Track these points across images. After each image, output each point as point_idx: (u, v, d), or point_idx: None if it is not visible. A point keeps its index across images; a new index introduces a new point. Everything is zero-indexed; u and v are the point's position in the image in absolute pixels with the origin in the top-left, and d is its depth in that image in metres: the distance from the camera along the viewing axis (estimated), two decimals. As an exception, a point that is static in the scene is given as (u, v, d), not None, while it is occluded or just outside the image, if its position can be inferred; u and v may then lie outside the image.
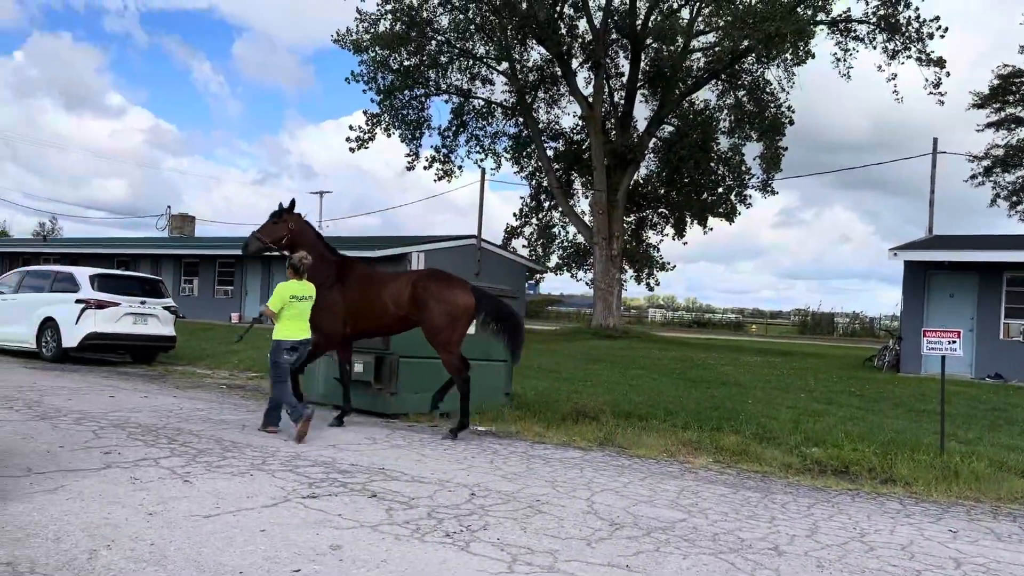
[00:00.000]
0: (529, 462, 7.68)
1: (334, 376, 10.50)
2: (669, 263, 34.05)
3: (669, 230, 33.57)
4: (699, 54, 29.77)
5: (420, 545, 4.88)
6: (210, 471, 6.58)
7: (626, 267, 32.27)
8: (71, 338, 14.72)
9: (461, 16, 28.54)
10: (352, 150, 29.57)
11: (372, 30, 28.06)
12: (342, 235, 36.57)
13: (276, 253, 9.66)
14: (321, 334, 9.10)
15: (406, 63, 28.67)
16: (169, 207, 49.03)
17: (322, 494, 5.99)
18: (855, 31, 26.73)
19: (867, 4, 25.82)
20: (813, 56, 27.08)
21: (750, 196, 31.34)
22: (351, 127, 30.52)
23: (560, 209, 32.41)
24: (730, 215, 31.31)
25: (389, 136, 30.10)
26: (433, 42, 28.87)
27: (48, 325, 15.13)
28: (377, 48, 28.04)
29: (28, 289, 16.17)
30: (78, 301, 14.81)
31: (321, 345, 9.32)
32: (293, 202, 9.63)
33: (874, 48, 26.39)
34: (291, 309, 8.55)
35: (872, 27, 26.14)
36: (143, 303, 15.43)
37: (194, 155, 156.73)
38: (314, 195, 68.82)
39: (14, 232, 74.52)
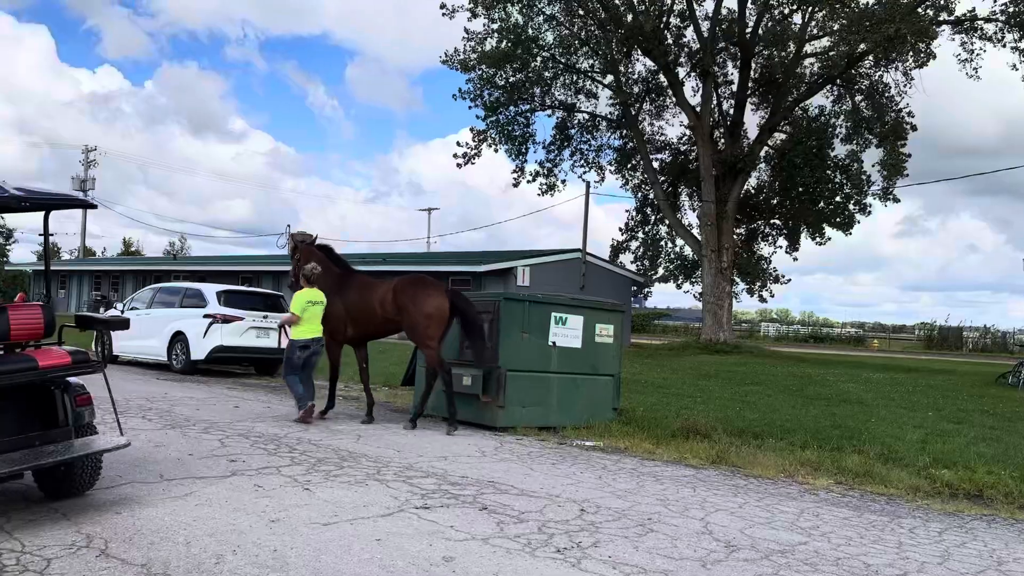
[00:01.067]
0: (639, 479, 7.56)
1: (443, 389, 10.68)
2: (783, 275, 33.00)
3: (782, 241, 32.55)
4: (812, 59, 28.82)
5: (531, 560, 4.87)
6: (328, 480, 6.79)
7: (737, 279, 31.43)
8: (199, 351, 15.56)
9: (566, 31, 28.68)
10: (459, 165, 30.15)
11: (479, 49, 28.57)
12: (448, 250, 37.21)
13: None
14: (327, 335, 10.46)
15: (511, 80, 29.02)
16: (289, 226, 51.25)
17: (434, 505, 6.07)
18: (982, 30, 25.25)
19: (994, 2, 24.37)
20: (935, 57, 25.75)
21: (870, 205, 30.02)
22: (458, 143, 31.25)
23: (667, 221, 31.94)
24: (848, 225, 30.05)
25: (495, 151, 30.56)
26: (538, 58, 29.12)
27: (178, 339, 16.05)
28: (483, 66, 28.53)
29: (160, 305, 17.22)
30: (206, 316, 15.65)
31: (329, 344, 10.66)
32: (296, 237, 11.22)
33: (1003, 47, 24.84)
34: (306, 313, 10.09)
35: (1001, 25, 24.62)
36: (265, 317, 16.15)
37: (311, 176, 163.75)
38: (422, 212, 70.39)
39: (147, 251, 79.62)
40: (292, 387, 10.10)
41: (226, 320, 15.61)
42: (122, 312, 17.33)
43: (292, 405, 11.15)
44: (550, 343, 10.53)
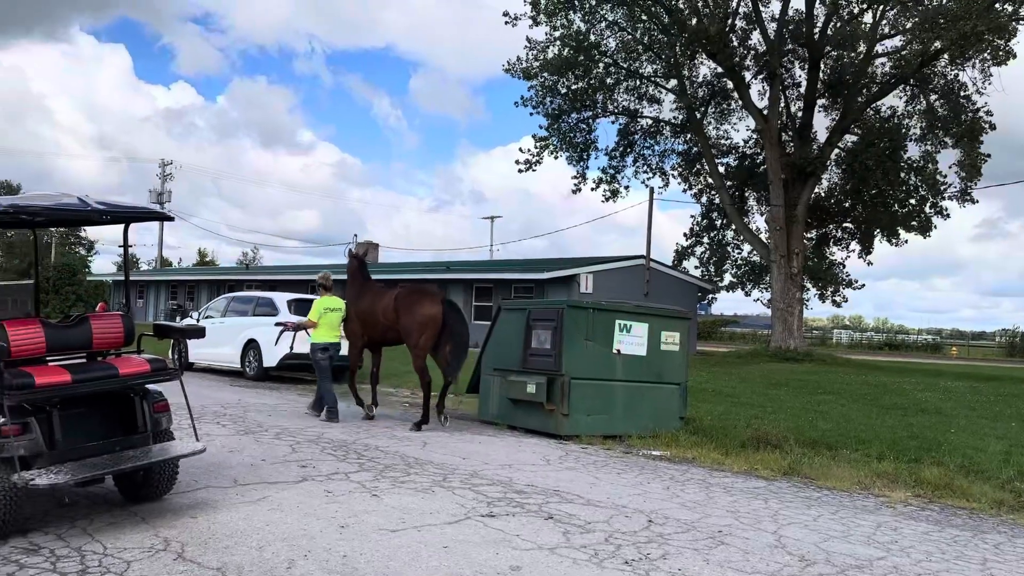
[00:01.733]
0: (708, 490, 7.42)
1: (508, 397, 10.70)
2: (856, 280, 32.07)
3: (855, 246, 31.65)
4: (884, 59, 28.00)
5: (599, 571, 4.83)
6: (396, 486, 6.86)
7: (807, 285, 30.67)
8: (271, 358, 15.92)
9: (629, 37, 28.51)
10: (521, 171, 30.19)
11: (541, 57, 28.60)
12: (511, 258, 37.28)
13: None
14: (348, 338, 11.37)
15: (573, 87, 28.97)
16: (356, 235, 52.14)
17: (500, 513, 6.07)
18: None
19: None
20: (1015, 56, 24.68)
21: (946, 207, 28.96)
22: (520, 150, 31.22)
23: (734, 226, 31.40)
24: (924, 228, 29.04)
25: (556, 159, 30.50)
26: (600, 64, 29.00)
27: (251, 346, 16.45)
28: (545, 74, 28.55)
29: (233, 313, 17.70)
30: (277, 324, 16.01)
31: (351, 347, 11.47)
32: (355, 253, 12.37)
33: (1090, 40, 23.69)
34: (324, 318, 10.94)
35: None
36: (332, 325, 16.39)
37: (376, 186, 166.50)
38: (485, 220, 70.78)
39: (221, 261, 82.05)
40: (325, 390, 10.98)
41: (296, 328, 15.93)
42: (197, 320, 17.87)
43: (358, 411, 11.32)
44: (614, 351, 10.45)
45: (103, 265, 67.84)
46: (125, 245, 6.74)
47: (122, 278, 7.26)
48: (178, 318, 18.11)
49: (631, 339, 10.66)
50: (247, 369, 16.50)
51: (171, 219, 6.42)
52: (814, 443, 9.94)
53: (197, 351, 17.52)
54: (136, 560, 4.74)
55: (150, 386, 5.98)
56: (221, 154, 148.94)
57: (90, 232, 67.36)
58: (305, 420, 10.75)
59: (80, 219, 5.86)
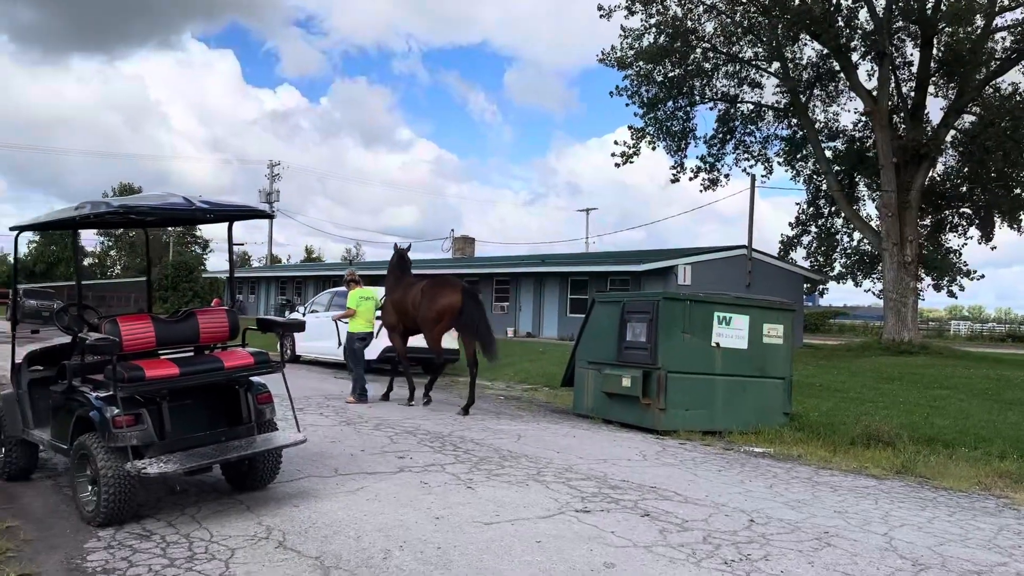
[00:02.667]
0: (814, 489, 7.11)
1: (603, 391, 10.57)
2: (975, 269, 30.18)
3: (973, 232, 29.78)
4: (1004, 33, 26.16)
5: (696, 571, 4.68)
6: (490, 479, 6.87)
7: (922, 275, 29.06)
8: (371, 351, 16.26)
9: (727, 20, 27.67)
10: (617, 165, 29.75)
11: (636, 45, 28.10)
12: (606, 250, 36.91)
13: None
14: (386, 327, 12.34)
15: (670, 74, 28.35)
16: (452, 230, 52.93)
17: (594, 509, 5.99)
18: None
19: None
20: None
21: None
22: (616, 142, 30.91)
23: (842, 214, 30.06)
24: (1055, 212, 27.02)
25: (653, 149, 29.91)
26: (698, 50, 28.25)
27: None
28: (641, 62, 28.04)
29: (337, 308, 18.19)
30: (377, 318, 16.37)
31: (391, 336, 12.38)
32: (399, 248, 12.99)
33: None
34: (360, 307, 12.05)
35: None
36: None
37: (472, 181, 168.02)
38: (580, 212, 70.38)
39: (327, 258, 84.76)
40: (358, 377, 11.91)
41: (337, 319, 16.27)
42: (303, 315, 18.46)
43: (455, 403, 11.44)
44: (713, 344, 10.17)
45: (218, 263, 71.18)
46: (230, 242, 6.98)
47: (235, 275, 7.54)
48: (286, 312, 18.73)
49: (731, 332, 10.35)
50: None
51: (271, 216, 6.64)
52: (929, 440, 9.40)
53: (303, 344, 18.11)
54: (240, 548, 4.90)
55: (254, 378, 6.18)
56: (325, 154, 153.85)
57: (205, 231, 70.93)
58: (403, 411, 10.94)
59: (185, 218, 6.12)
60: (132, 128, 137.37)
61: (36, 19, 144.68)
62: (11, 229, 6.31)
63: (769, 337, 10.64)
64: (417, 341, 16.31)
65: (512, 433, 9.47)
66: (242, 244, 78.11)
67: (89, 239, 73.95)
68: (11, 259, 63.16)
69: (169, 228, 63.62)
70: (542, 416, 11.24)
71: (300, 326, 6.79)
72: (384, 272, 13.33)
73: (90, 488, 5.33)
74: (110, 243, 73.76)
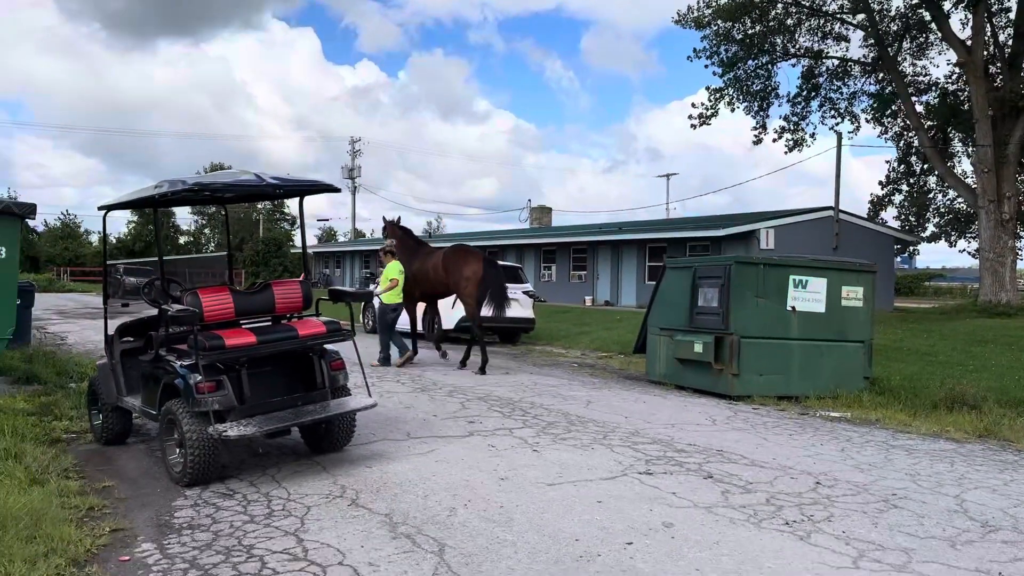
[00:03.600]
0: (888, 452, 6.96)
1: (675, 357, 10.53)
2: (1081, 226, 28.39)
3: (1080, 186, 27.97)
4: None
5: (755, 531, 4.70)
6: (556, 442, 7.00)
7: (1021, 233, 27.55)
8: (449, 321, 16.61)
9: (809, -28, 26.58)
10: (694, 126, 29.12)
11: (713, 3, 27.33)
12: (688, 216, 36.28)
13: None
14: (403, 295, 12.69)
15: (750, 31, 27.48)
16: (530, 200, 53.03)
17: (658, 471, 6.04)
18: None
19: None
20: None
21: None
22: (693, 104, 30.23)
23: (935, 171, 28.70)
24: None
25: (733, 110, 29.13)
26: (779, 5, 27.27)
27: (429, 311, 17.24)
28: (719, 21, 27.27)
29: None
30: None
31: (406, 301, 12.84)
32: (392, 221, 13.83)
33: None
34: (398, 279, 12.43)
35: None
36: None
37: (550, 150, 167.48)
38: (660, 179, 69.22)
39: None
40: (395, 342, 12.65)
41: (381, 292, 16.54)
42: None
43: (528, 370, 11.59)
44: (788, 308, 9.98)
45: (306, 238, 73.12)
46: (301, 216, 7.25)
47: (321, 250, 7.86)
48: (369, 285, 19.21)
49: (807, 295, 10.13)
50: (427, 332, 17.30)
51: (337, 190, 6.81)
52: (1018, 404, 9.04)
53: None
54: (315, 505, 5.18)
55: (327, 346, 6.44)
56: (404, 128, 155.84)
57: (293, 207, 72.98)
58: (474, 379, 11.17)
59: (257, 194, 6.38)
60: (219, 109, 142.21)
61: (124, 6, 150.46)
62: (99, 209, 6.72)
63: (848, 300, 10.37)
64: (491, 311, 16.63)
65: (582, 399, 9.57)
66: (328, 219, 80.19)
67: (184, 218, 77.25)
68: (112, 239, 66.38)
69: (258, 205, 65.79)
70: (614, 383, 11.29)
71: (368, 296, 7.01)
72: (472, 243, 13.86)
73: (177, 451, 5.70)
74: (204, 221, 76.93)
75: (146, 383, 6.31)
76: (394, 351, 12.68)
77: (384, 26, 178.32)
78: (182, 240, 75.63)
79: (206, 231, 78.24)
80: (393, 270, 12.58)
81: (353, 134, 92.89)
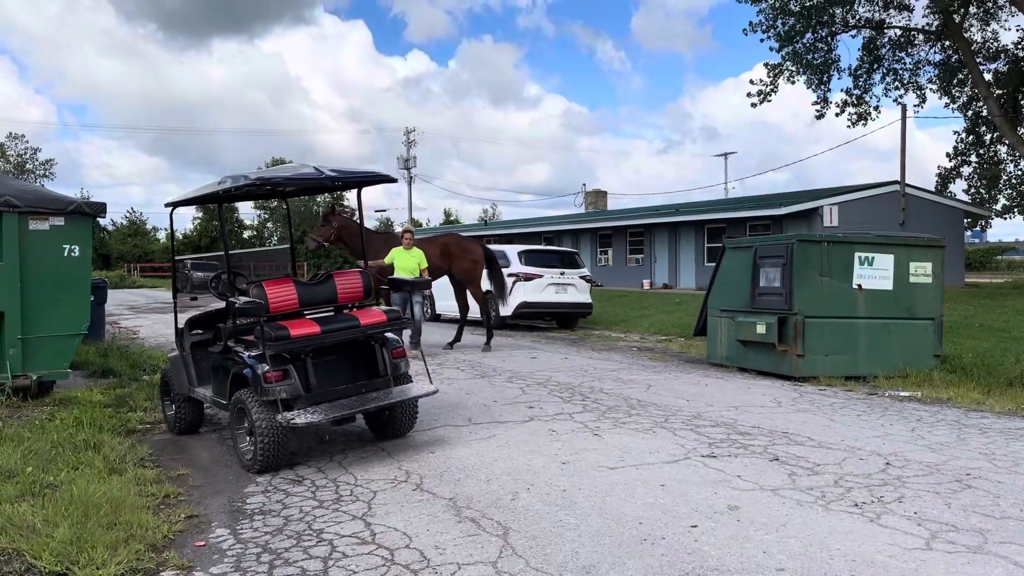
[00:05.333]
0: (960, 431, 6.76)
1: (736, 339, 10.39)
2: None
3: None
4: None
5: (823, 513, 4.62)
6: (617, 426, 6.98)
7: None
8: (506, 307, 16.69)
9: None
10: (754, 105, 28.53)
11: (769, -24, 26.67)
12: (748, 195, 35.58)
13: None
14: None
15: (807, 3, 26.75)
16: (584, 184, 52.71)
17: (721, 454, 5.98)
18: None
19: None
20: None
21: None
22: (751, 81, 29.53)
23: (1006, 141, 27.57)
24: None
25: (792, 84, 28.43)
26: (837, -25, 26.46)
27: (487, 296, 17.33)
28: (775, -7, 26.61)
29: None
30: (510, 275, 16.70)
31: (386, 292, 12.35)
32: (332, 207, 14.05)
33: None
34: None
35: None
36: (562, 274, 16.86)
37: (603, 133, 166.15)
38: (718, 158, 68.12)
39: (464, 219, 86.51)
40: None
41: (527, 278, 16.53)
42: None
43: (589, 355, 11.57)
44: (854, 286, 9.74)
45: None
46: (359, 207, 7.35)
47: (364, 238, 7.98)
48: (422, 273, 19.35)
49: (874, 272, 9.87)
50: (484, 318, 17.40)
51: (394, 180, 6.90)
52: (1102, 381, 8.67)
53: (442, 303, 18.74)
54: (381, 490, 5.28)
55: (389, 335, 6.54)
56: (457, 116, 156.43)
57: (351, 199, 74.19)
58: (533, 364, 11.20)
59: (317, 186, 6.50)
60: (276, 104, 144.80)
61: (178, 5, 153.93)
62: (166, 206, 6.94)
63: (916, 276, 10.07)
64: (548, 296, 16.63)
65: (642, 383, 9.51)
66: (384, 210, 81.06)
67: (248, 213, 79.10)
68: (179, 235, 68.24)
69: (318, 198, 66.83)
70: (674, 366, 11.19)
71: (426, 284, 7.10)
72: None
73: (248, 439, 5.87)
74: (266, 216, 78.63)
75: (216, 374, 6.50)
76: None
77: (433, 14, 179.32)
78: (246, 234, 77.40)
79: (268, 225, 79.94)
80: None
81: (405, 124, 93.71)
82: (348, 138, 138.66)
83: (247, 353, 5.94)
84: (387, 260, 11.95)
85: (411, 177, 60.07)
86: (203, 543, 4.41)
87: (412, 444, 6.50)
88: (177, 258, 7.69)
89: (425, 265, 12.04)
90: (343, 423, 6.23)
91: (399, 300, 11.91)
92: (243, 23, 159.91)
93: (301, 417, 5.65)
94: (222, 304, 6.57)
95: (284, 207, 8.10)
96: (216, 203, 6.48)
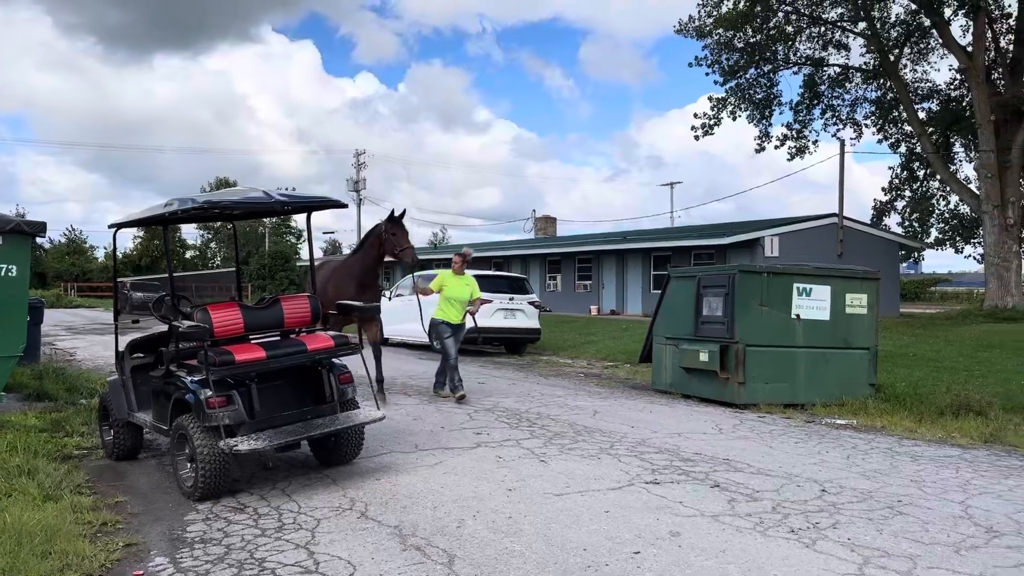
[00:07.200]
0: (893, 459, 6.99)
1: (681, 366, 10.58)
2: (1087, 229, 28.38)
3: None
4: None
5: (761, 539, 4.74)
6: (563, 453, 7.05)
7: (1027, 237, 27.53)
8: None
9: (810, -20, 26.74)
10: (697, 137, 29.33)
11: (715, 13, 27.52)
12: (693, 224, 36.31)
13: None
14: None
15: (751, 40, 27.63)
16: (534, 210, 53.14)
17: (664, 481, 6.09)
18: None
19: None
20: None
21: None
22: (695, 115, 30.31)
23: (938, 177, 28.76)
24: None
25: (735, 119, 29.28)
26: (780, 13, 27.45)
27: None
28: (720, 30, 27.45)
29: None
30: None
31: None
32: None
33: None
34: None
35: None
36: (511, 299, 16.94)
37: (552, 160, 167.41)
38: (664, 187, 69.34)
39: (413, 243, 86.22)
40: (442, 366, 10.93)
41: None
42: (389, 299, 19.00)
43: (535, 380, 11.63)
44: (793, 316, 10.02)
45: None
46: (309, 232, 7.32)
47: (325, 262, 7.97)
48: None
49: (812, 303, 10.17)
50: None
51: (345, 206, 6.91)
52: (1024, 409, 9.06)
53: (390, 328, 18.64)
54: (325, 518, 5.23)
55: (336, 360, 6.51)
56: (405, 139, 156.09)
57: (299, 222, 73.35)
58: (481, 390, 11.22)
59: (266, 211, 6.48)
60: (222, 122, 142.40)
61: (119, 20, 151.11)
62: (109, 227, 6.82)
63: (852, 307, 10.40)
64: (496, 321, 16.66)
65: (589, 409, 9.61)
66: (333, 232, 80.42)
67: (191, 233, 77.58)
68: (119, 254, 66.55)
69: (265, 220, 65.95)
70: (620, 392, 11.34)
71: (375, 310, 7.10)
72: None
73: (188, 465, 5.77)
74: (210, 236, 77.28)
75: (157, 399, 6.38)
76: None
77: (382, 36, 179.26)
78: (188, 254, 75.90)
79: (212, 245, 78.58)
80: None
81: (353, 146, 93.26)
82: (295, 158, 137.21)
83: (190, 378, 5.85)
84: (435, 286, 10.67)
85: (360, 199, 59.80)
86: (142, 572, 4.32)
87: (358, 471, 6.46)
88: (118, 279, 7.55)
89: (479, 295, 10.78)
90: (287, 449, 6.17)
91: (442, 334, 10.52)
92: (187, 39, 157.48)
93: (244, 443, 5.59)
94: (165, 327, 6.47)
95: (229, 228, 8.02)
96: (162, 225, 6.40)
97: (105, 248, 71.93)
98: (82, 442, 7.67)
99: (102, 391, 7.48)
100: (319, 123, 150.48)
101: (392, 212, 10.15)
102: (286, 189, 6.43)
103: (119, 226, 6.78)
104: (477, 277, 17.48)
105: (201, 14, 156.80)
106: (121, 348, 6.87)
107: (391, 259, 10.22)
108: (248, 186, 6.48)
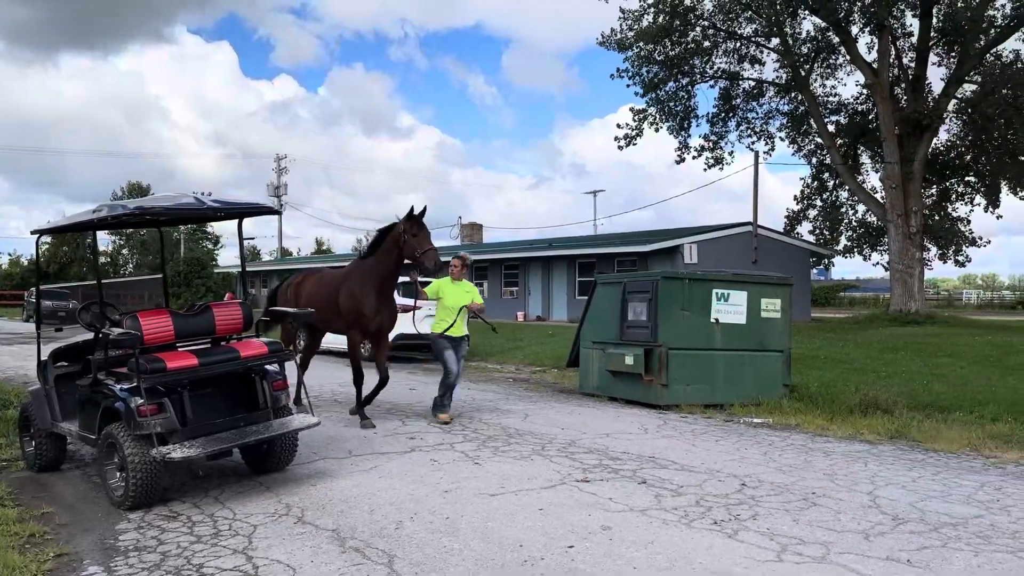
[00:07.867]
0: (807, 455, 7.41)
1: (607, 369, 10.88)
2: (981, 238, 30.23)
3: (980, 200, 29.82)
4: (1004, 1, 26.09)
5: (687, 531, 5.00)
6: (496, 455, 7.20)
7: (928, 245, 29.15)
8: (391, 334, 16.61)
9: (726, -2, 27.70)
10: (620, 148, 29.94)
11: (635, 27, 28.22)
12: (615, 231, 37.04)
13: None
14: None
15: (670, 53, 28.45)
16: (460, 217, 53.17)
17: (594, 479, 6.31)
18: None
19: None
20: None
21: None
22: (618, 125, 30.99)
23: (846, 187, 30.16)
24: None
25: (656, 131, 30.06)
26: (697, 28, 28.36)
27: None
28: (641, 43, 28.16)
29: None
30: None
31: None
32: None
33: None
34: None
35: None
36: (437, 306, 16.96)
37: (477, 166, 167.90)
38: (588, 195, 70.42)
39: (336, 249, 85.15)
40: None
41: (404, 310, 16.54)
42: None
43: (466, 387, 11.74)
44: (712, 320, 10.44)
45: (228, 258, 71.88)
46: (240, 239, 7.29)
47: (248, 269, 7.88)
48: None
49: (729, 308, 10.62)
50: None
51: (278, 213, 6.92)
52: (926, 406, 9.67)
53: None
54: (262, 524, 5.25)
55: (269, 367, 6.50)
56: (327, 143, 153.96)
57: (215, 227, 71.54)
58: (412, 396, 11.29)
59: (198, 216, 6.43)
60: (133, 124, 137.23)
61: (23, 17, 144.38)
62: (32, 233, 6.65)
63: (767, 311, 10.91)
64: (425, 328, 16.66)
65: (519, 413, 9.80)
66: (252, 238, 78.67)
67: (101, 238, 74.71)
68: (23, 261, 63.60)
69: (180, 226, 64.05)
70: (549, 396, 11.57)
71: (308, 316, 7.12)
72: (407, 261, 9.59)
73: (118, 474, 5.69)
74: (121, 242, 74.60)
75: (83, 408, 6.26)
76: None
77: (301, 39, 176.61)
78: (100, 261, 72.99)
79: (124, 251, 75.85)
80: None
81: (272, 150, 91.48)
82: (212, 162, 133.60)
83: (119, 386, 5.77)
84: (431, 294, 9.68)
85: (282, 205, 58.75)
86: (76, 582, 4.27)
87: (292, 477, 6.47)
88: (31, 288, 7.35)
89: (480, 301, 9.79)
90: (219, 457, 6.14)
91: (441, 349, 9.44)
92: (95, 39, 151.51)
93: (177, 451, 5.55)
94: (89, 335, 6.35)
95: (141, 234, 7.89)
96: (90, 231, 6.29)
97: (10, 255, 68.69)
98: (0, 454, 7.42)
99: (23, 401, 7.26)
100: (237, 126, 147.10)
101: (412, 209, 8.93)
102: (204, 193, 6.38)
103: (43, 232, 6.62)
104: (405, 284, 17.53)
105: (111, 13, 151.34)
106: (44, 357, 6.70)
107: (409, 262, 9.10)
108: (177, 191, 6.42)
